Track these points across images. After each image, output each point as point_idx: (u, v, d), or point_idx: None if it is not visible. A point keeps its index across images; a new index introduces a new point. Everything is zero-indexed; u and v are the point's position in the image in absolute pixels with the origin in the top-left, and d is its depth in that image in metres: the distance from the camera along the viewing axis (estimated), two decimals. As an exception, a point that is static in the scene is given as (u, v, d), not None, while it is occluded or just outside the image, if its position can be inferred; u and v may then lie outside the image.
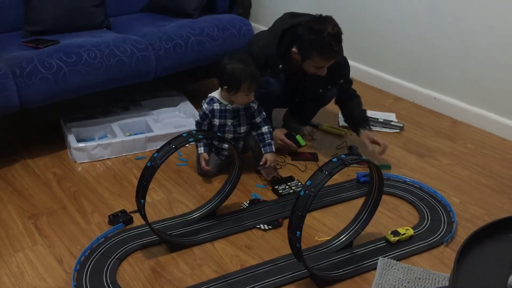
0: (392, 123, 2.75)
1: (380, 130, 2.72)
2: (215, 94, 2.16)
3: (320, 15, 2.13)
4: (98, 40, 2.43)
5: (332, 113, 2.80)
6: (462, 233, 1.93)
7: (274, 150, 2.20)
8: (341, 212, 2.04)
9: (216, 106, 2.13)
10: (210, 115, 2.14)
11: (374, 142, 2.33)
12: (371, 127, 2.43)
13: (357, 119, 2.40)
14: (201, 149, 2.13)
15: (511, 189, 2.24)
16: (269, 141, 2.19)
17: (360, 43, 3.26)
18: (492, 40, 2.62)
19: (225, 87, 2.07)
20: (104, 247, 1.79)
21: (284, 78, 2.30)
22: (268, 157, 2.17)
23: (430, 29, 2.89)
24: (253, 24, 3.08)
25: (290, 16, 2.30)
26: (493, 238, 1.27)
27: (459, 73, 2.81)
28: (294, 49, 2.17)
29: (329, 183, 2.17)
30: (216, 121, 2.15)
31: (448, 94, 2.91)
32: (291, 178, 2.25)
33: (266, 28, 2.40)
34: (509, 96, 2.62)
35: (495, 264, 1.20)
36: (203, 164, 2.12)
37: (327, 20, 2.09)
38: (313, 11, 2.21)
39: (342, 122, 2.76)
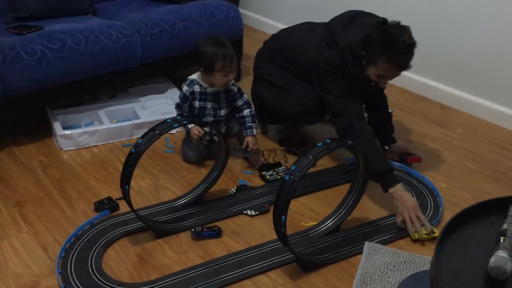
0: (381, 109, 2.74)
1: (368, 116, 2.71)
2: (195, 76, 2.15)
3: (399, 22, 1.95)
4: (82, 26, 2.39)
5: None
6: (448, 218, 1.89)
7: (255, 133, 2.20)
8: (328, 197, 2.04)
9: (196, 88, 2.13)
10: (190, 97, 2.13)
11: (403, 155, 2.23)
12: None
13: (384, 135, 2.30)
14: (190, 125, 2.09)
15: (499, 174, 2.25)
16: (250, 124, 2.19)
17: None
18: (480, 26, 2.61)
19: (201, 68, 2.07)
20: (90, 234, 1.78)
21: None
22: (250, 139, 2.17)
23: (419, 15, 2.88)
24: (241, 10, 3.05)
25: (345, 23, 2.09)
26: (476, 221, 1.26)
27: (448, 59, 2.81)
28: (361, 51, 1.98)
29: (316, 168, 2.20)
30: (197, 103, 2.14)
31: (437, 79, 2.90)
32: (278, 164, 2.24)
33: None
34: (498, 81, 2.62)
35: (477, 246, 1.20)
36: (198, 129, 2.05)
37: (405, 28, 1.92)
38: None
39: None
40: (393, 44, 1.87)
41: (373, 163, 1.80)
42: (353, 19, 2.11)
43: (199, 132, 2.06)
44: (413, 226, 1.81)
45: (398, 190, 1.87)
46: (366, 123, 2.10)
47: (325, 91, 2.09)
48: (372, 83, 2.04)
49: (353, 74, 2.04)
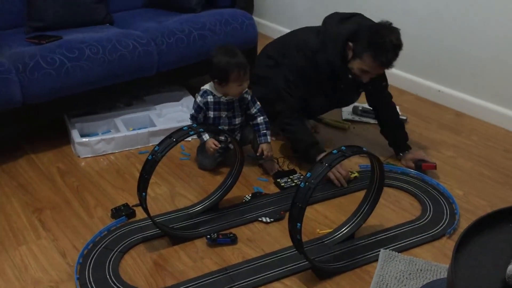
0: (395, 116, 2.74)
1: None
2: (208, 86, 2.17)
3: (391, 23, 2.04)
4: (100, 35, 2.44)
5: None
6: (465, 225, 1.92)
7: (269, 140, 2.21)
8: (343, 204, 2.04)
9: (210, 98, 2.14)
10: (204, 107, 2.15)
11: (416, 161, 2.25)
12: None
13: (396, 143, 2.35)
14: (206, 136, 2.11)
15: (515, 181, 2.23)
16: (264, 131, 2.20)
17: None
18: (495, 32, 2.60)
19: (216, 80, 2.08)
20: (107, 240, 1.81)
21: (331, 89, 2.24)
22: (264, 147, 2.18)
23: (434, 21, 2.87)
24: (256, 19, 3.08)
25: (340, 17, 2.18)
26: (493, 228, 1.26)
27: (463, 66, 2.80)
28: (350, 44, 2.07)
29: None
30: (211, 114, 2.16)
31: (451, 86, 2.89)
32: (293, 171, 2.25)
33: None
34: (513, 87, 2.61)
35: (494, 254, 1.19)
36: (213, 146, 2.08)
37: (395, 30, 2.01)
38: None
39: (345, 115, 2.76)
40: (380, 42, 1.97)
41: (299, 142, 2.20)
42: (351, 17, 2.19)
43: (216, 146, 2.08)
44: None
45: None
46: (299, 116, 2.26)
47: (280, 70, 2.23)
48: (350, 76, 2.11)
49: (329, 62, 2.12)
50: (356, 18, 2.18)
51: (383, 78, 2.30)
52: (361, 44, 2.03)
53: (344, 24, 2.13)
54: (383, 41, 1.97)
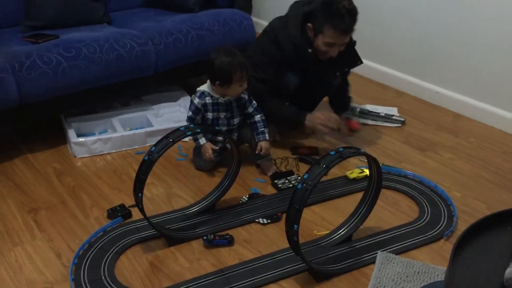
0: (393, 117, 2.73)
1: (381, 124, 2.70)
2: (205, 87, 2.15)
3: None
4: (97, 34, 2.42)
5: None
6: (463, 227, 1.91)
7: (267, 138, 2.20)
8: (340, 206, 2.03)
9: (208, 99, 2.13)
10: (202, 109, 2.14)
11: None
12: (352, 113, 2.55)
13: (340, 104, 2.55)
14: (202, 140, 2.11)
15: (513, 183, 2.22)
16: (262, 129, 2.20)
17: (362, 37, 3.22)
18: (494, 34, 2.59)
19: (217, 82, 2.06)
20: (103, 241, 1.80)
21: (302, 71, 2.31)
22: (263, 144, 2.18)
23: (432, 23, 2.87)
24: (254, 19, 3.06)
25: (303, 3, 2.30)
26: (491, 231, 1.25)
27: (461, 67, 2.79)
28: (309, 24, 2.19)
29: (328, 177, 2.19)
30: (210, 115, 2.14)
31: (450, 88, 2.88)
32: (290, 173, 2.24)
33: (266, 23, 2.38)
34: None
35: (492, 257, 1.18)
36: (210, 152, 2.10)
37: None
38: None
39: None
40: (334, 10, 2.10)
41: (281, 117, 2.33)
42: (312, 2, 2.27)
43: (211, 155, 2.09)
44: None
45: (309, 116, 2.30)
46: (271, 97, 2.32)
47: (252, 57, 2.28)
48: (310, 50, 2.21)
49: (290, 39, 2.21)
50: (315, 1, 2.25)
51: (358, 57, 2.41)
52: (319, 20, 2.16)
53: (304, 7, 2.26)
54: (337, 9, 2.09)
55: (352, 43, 2.36)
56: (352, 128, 2.44)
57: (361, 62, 2.44)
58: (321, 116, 2.32)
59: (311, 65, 2.29)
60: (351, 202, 1.98)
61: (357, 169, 2.22)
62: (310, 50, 2.22)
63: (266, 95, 2.29)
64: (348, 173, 2.20)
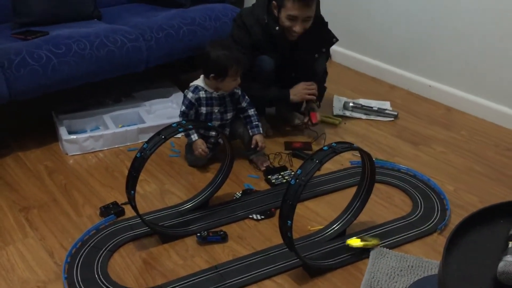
0: (386, 111, 2.74)
1: (374, 118, 2.70)
2: (199, 82, 2.14)
3: None
4: (88, 30, 2.40)
5: (326, 102, 2.78)
6: (456, 221, 1.92)
7: (262, 131, 2.20)
8: (334, 201, 2.03)
9: (202, 94, 2.12)
10: (196, 103, 2.13)
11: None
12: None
13: None
14: (194, 137, 2.10)
15: (505, 176, 2.23)
16: (256, 123, 2.20)
17: (354, 31, 3.23)
18: (486, 27, 2.60)
19: (212, 75, 2.05)
20: (95, 239, 1.78)
21: (277, 53, 2.31)
22: (257, 138, 2.18)
23: (424, 17, 2.87)
24: (245, 13, 3.04)
25: None
26: (484, 225, 1.25)
27: (453, 61, 2.80)
28: (274, 2, 2.22)
29: (322, 172, 2.19)
30: (203, 109, 2.13)
31: (442, 81, 2.89)
32: (284, 168, 2.23)
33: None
34: (504, 83, 2.61)
35: (485, 251, 1.19)
36: (203, 147, 2.09)
37: None
38: None
39: (336, 111, 2.75)
40: None
41: (263, 97, 2.35)
42: None
43: (203, 151, 2.08)
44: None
45: (292, 91, 2.38)
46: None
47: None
48: (277, 28, 2.23)
49: (257, 21, 2.27)
50: None
51: (332, 35, 2.42)
52: None
53: None
54: None
55: (324, 24, 2.40)
56: (313, 121, 2.42)
57: (337, 40, 2.45)
58: (303, 85, 2.38)
59: (285, 47, 2.31)
60: (345, 197, 1.98)
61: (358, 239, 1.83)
62: (277, 28, 2.24)
63: (247, 81, 2.25)
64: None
